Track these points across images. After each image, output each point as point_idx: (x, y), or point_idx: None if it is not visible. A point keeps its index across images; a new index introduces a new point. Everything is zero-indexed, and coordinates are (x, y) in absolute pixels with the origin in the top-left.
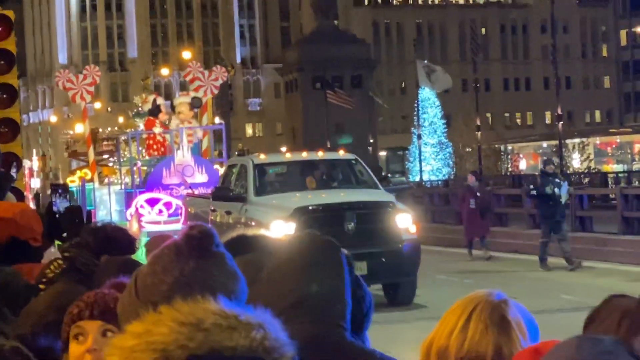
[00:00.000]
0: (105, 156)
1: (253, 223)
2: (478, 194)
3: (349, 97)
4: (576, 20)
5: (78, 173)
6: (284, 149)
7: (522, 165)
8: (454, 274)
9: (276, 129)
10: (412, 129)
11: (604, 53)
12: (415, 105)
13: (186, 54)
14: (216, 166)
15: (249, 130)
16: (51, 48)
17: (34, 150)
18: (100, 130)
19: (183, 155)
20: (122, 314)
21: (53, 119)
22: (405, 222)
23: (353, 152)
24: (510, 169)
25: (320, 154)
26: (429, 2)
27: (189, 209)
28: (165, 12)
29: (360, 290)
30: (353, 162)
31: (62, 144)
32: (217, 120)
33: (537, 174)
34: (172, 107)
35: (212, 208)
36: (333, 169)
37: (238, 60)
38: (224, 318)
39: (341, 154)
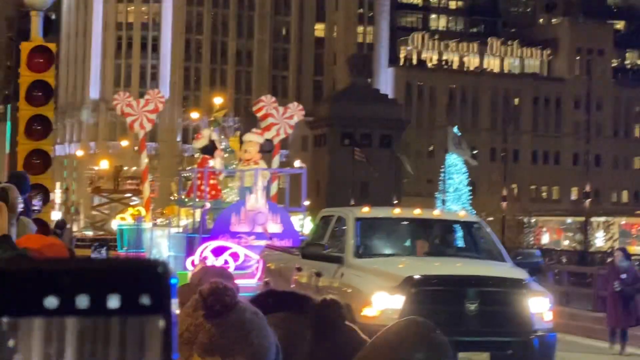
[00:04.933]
0: (128, 195)
1: (350, 290)
2: (624, 276)
3: (368, 160)
4: (610, 99)
5: (130, 210)
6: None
7: (545, 239)
8: None
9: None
10: (436, 193)
11: (636, 133)
12: (442, 170)
13: (218, 100)
14: (293, 216)
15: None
16: (84, 82)
17: (57, 184)
18: (126, 168)
19: (257, 201)
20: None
21: (79, 153)
22: (540, 307)
23: None
24: (532, 242)
25: (437, 213)
26: (464, 68)
27: (269, 265)
28: (201, 56)
29: None
30: (476, 226)
31: (85, 179)
32: (297, 163)
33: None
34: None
35: (298, 266)
36: (450, 233)
37: None
38: None
39: (462, 215)
